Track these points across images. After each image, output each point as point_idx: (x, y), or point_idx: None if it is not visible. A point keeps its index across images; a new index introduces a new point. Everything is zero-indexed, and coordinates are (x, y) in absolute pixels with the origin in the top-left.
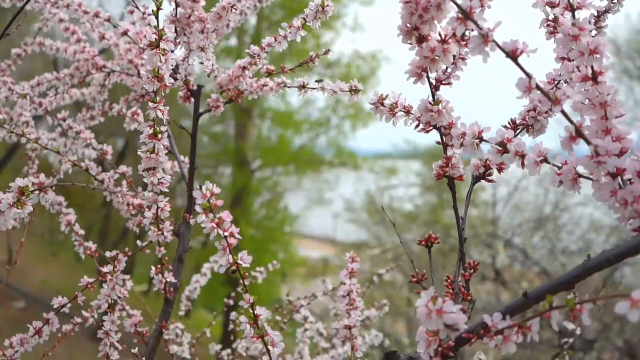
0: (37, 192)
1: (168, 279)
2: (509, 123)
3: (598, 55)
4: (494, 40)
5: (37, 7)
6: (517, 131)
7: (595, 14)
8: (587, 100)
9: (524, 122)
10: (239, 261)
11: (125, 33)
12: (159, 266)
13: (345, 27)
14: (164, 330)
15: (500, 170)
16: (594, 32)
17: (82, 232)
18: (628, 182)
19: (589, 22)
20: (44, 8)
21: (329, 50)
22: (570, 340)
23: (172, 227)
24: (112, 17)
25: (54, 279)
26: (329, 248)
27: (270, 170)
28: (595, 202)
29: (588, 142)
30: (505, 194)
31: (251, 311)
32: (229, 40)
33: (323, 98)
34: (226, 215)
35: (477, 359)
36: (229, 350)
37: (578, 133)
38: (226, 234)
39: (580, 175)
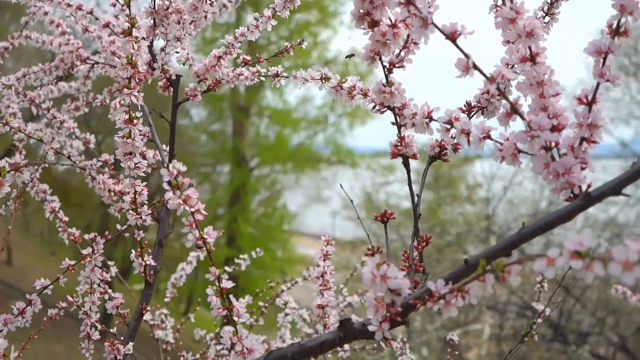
0: (12, 172)
1: (148, 262)
2: (464, 105)
3: (535, 37)
4: (433, 23)
5: (23, 0)
6: (472, 113)
7: (549, 1)
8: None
9: (478, 104)
10: (205, 236)
11: (107, 25)
12: (139, 250)
13: (342, 25)
14: (144, 311)
15: (455, 150)
16: (547, 19)
17: (66, 218)
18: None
19: (542, 9)
20: (29, 1)
21: (303, 40)
22: (539, 320)
23: (150, 211)
24: (95, 10)
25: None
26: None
27: (268, 169)
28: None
29: (523, 118)
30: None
31: (217, 284)
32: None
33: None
34: (192, 193)
35: None
36: (212, 335)
37: (513, 109)
38: (193, 210)
39: (520, 151)
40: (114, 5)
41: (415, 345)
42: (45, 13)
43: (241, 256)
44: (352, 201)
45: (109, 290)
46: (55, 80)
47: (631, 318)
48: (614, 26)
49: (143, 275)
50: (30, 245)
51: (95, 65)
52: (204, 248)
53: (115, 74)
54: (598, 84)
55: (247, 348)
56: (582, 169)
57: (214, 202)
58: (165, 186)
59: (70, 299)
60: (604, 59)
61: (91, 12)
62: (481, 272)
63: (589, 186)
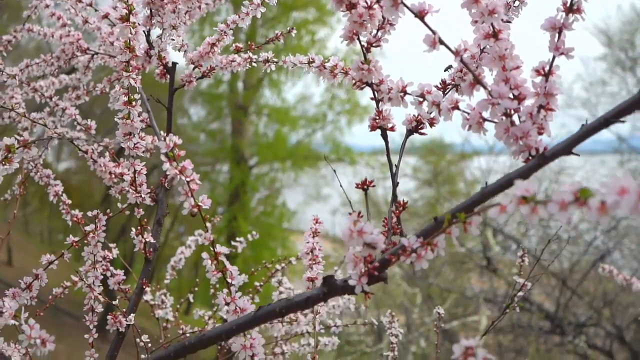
0: (21, 148)
1: (147, 240)
2: (439, 83)
3: (496, 15)
4: (402, 3)
5: None
6: (447, 90)
7: None
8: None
9: (453, 81)
10: (200, 203)
11: (105, 16)
12: (139, 228)
13: (340, 23)
14: (144, 287)
15: (431, 124)
16: (517, 3)
17: (69, 201)
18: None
19: None
20: None
21: (292, 28)
22: (520, 293)
23: (149, 190)
24: (94, 2)
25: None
26: (327, 243)
27: (267, 167)
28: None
29: (485, 88)
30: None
31: (212, 249)
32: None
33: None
34: (188, 164)
35: None
36: (210, 313)
37: (476, 80)
38: (188, 179)
39: (484, 119)
40: None
41: (414, 337)
42: (47, 6)
43: (237, 239)
44: (350, 201)
45: (111, 268)
46: (56, 71)
47: (627, 309)
48: (568, 4)
49: (143, 252)
50: (30, 246)
51: (95, 56)
52: (199, 214)
53: (114, 64)
54: (554, 57)
55: (239, 307)
56: (540, 133)
57: (214, 200)
58: (163, 158)
59: (75, 278)
60: (559, 33)
61: (90, 4)
62: (447, 225)
63: (545, 149)
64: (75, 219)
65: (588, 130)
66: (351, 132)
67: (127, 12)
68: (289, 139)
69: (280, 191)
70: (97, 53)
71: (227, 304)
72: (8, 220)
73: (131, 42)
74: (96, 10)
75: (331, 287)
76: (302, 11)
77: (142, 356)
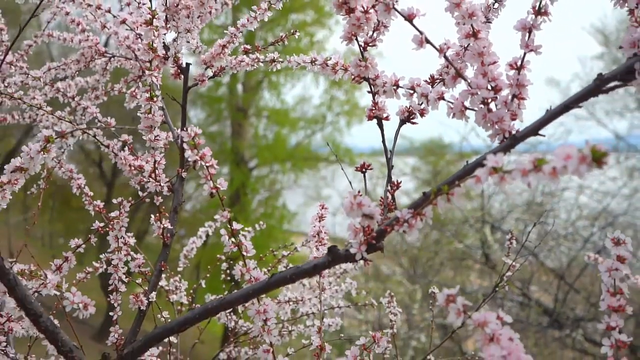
0: (59, 138)
1: (165, 226)
2: (429, 78)
3: (475, 18)
4: (394, 7)
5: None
6: (435, 84)
7: None
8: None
9: (440, 76)
10: (218, 185)
11: (123, 22)
12: (157, 215)
13: (338, 25)
14: (163, 269)
15: (422, 114)
16: (496, 5)
17: (91, 193)
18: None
19: None
20: (52, 3)
21: (296, 30)
22: (509, 274)
23: (167, 180)
24: (111, 8)
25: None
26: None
27: (267, 169)
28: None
29: (465, 80)
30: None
31: (229, 226)
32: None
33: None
34: (207, 151)
35: None
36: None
37: (458, 74)
38: (208, 164)
39: (466, 108)
40: (129, 4)
41: (414, 333)
42: (67, 13)
43: (246, 229)
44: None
45: (131, 253)
46: (76, 73)
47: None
48: (537, 7)
49: (161, 237)
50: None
51: (112, 58)
52: (217, 195)
53: (131, 66)
54: (524, 53)
55: (254, 277)
56: (513, 119)
57: (214, 202)
58: (185, 146)
59: (96, 264)
60: (529, 33)
61: (109, 11)
62: (433, 197)
63: (517, 132)
64: (97, 208)
65: (552, 115)
66: (350, 134)
67: (150, 16)
68: (289, 140)
69: (281, 193)
70: (114, 56)
71: (243, 274)
72: (24, 222)
73: (154, 44)
74: (114, 17)
75: (335, 256)
76: (300, 13)
77: (165, 313)
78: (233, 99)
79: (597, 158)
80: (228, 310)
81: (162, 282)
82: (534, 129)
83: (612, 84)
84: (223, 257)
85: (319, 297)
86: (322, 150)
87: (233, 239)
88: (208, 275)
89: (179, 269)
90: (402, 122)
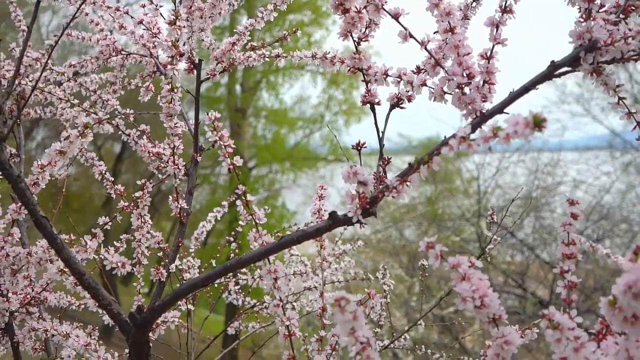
0: (96, 125)
1: (182, 205)
2: (415, 68)
3: (452, 16)
4: (383, 8)
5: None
6: (421, 73)
7: None
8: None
9: (424, 66)
10: (235, 162)
11: (140, 22)
12: (175, 196)
13: (335, 25)
14: (180, 244)
15: (409, 100)
16: (474, 4)
17: (112, 178)
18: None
19: None
20: (74, 5)
21: (297, 29)
22: (491, 246)
23: (184, 163)
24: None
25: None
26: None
27: (266, 169)
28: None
29: (443, 68)
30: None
31: (244, 198)
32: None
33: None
34: (225, 132)
35: None
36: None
37: (437, 63)
38: (226, 144)
39: (444, 92)
40: (144, 6)
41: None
42: (86, 14)
43: (263, 208)
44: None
45: (151, 231)
46: (96, 69)
47: None
48: (503, 7)
49: (178, 216)
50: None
51: (129, 56)
52: (234, 171)
53: (146, 62)
54: (493, 45)
55: (265, 241)
56: (484, 101)
57: (214, 203)
58: (206, 128)
59: (117, 244)
60: (497, 28)
61: (127, 12)
62: (417, 166)
63: (486, 111)
64: (118, 192)
65: (514, 96)
66: (349, 133)
67: (174, 17)
68: (287, 140)
69: (280, 192)
70: (130, 53)
71: (256, 239)
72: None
73: (177, 41)
74: (132, 18)
75: (335, 220)
76: (298, 13)
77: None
78: (231, 100)
79: (537, 123)
80: (238, 287)
81: (177, 262)
82: (499, 109)
83: (563, 70)
84: (231, 239)
85: (321, 265)
86: (320, 149)
87: (247, 208)
88: (218, 255)
89: (190, 250)
90: (392, 106)
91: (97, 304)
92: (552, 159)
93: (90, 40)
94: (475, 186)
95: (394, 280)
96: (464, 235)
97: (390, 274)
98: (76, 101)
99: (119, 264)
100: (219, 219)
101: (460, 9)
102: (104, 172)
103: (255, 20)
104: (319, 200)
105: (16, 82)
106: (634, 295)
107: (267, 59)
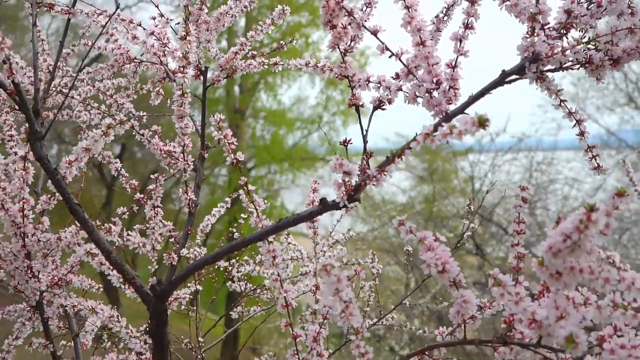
0: (118, 125)
1: (191, 197)
2: (394, 74)
3: (422, 31)
4: (363, 25)
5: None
6: (399, 79)
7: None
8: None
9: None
10: (237, 157)
11: (152, 33)
12: (184, 188)
13: None
14: (189, 232)
15: (389, 102)
16: (445, 18)
17: (127, 174)
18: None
19: (442, 12)
20: (91, 17)
21: (293, 38)
22: (468, 233)
23: (193, 159)
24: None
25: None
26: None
27: (265, 169)
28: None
29: (414, 76)
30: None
31: (246, 188)
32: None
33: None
34: (229, 131)
35: None
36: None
37: (409, 71)
38: (229, 141)
39: (417, 96)
40: (154, 19)
41: (408, 318)
42: (102, 26)
43: (242, 215)
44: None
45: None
46: (111, 76)
47: None
48: (465, 24)
49: (187, 206)
50: None
51: (141, 63)
52: (237, 165)
53: (156, 69)
54: (457, 57)
55: (264, 224)
56: (449, 103)
57: (214, 203)
58: (212, 127)
59: (132, 233)
60: (460, 41)
61: (140, 24)
62: (392, 158)
63: (450, 111)
64: (133, 186)
65: (472, 99)
66: (347, 133)
67: (185, 33)
68: (286, 140)
69: (279, 192)
70: (142, 61)
71: (257, 223)
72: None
73: (187, 54)
74: (144, 29)
75: (325, 205)
76: (295, 15)
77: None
78: (230, 101)
79: (481, 122)
80: (241, 274)
81: (184, 251)
82: (460, 110)
83: (513, 77)
84: (235, 230)
85: (314, 248)
86: (319, 150)
87: (249, 196)
88: (224, 237)
89: (197, 241)
90: (375, 108)
91: (121, 278)
92: (546, 157)
93: (105, 49)
94: (470, 185)
95: (392, 281)
96: (459, 232)
97: (387, 273)
98: (95, 104)
99: (140, 244)
100: (222, 213)
101: (433, 23)
102: (119, 168)
103: (255, 32)
104: (313, 193)
105: (42, 87)
106: (554, 254)
107: (266, 66)
